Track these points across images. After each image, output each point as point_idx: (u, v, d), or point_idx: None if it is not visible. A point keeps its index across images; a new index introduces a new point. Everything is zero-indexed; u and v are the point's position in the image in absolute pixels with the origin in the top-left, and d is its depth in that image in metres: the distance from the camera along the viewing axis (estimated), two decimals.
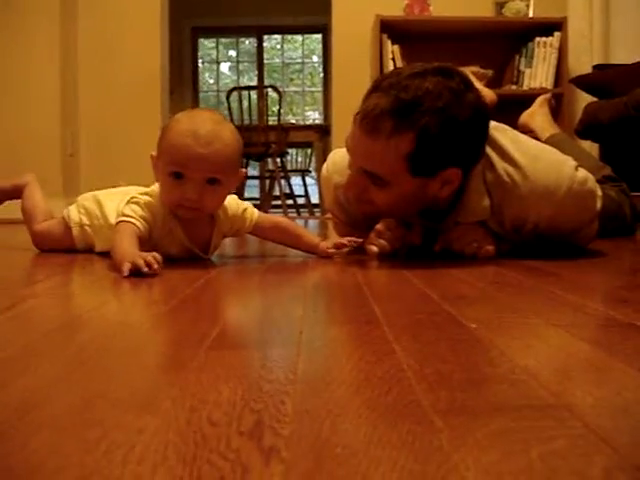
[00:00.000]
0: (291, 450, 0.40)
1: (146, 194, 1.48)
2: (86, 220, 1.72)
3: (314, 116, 8.65)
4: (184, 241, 1.52)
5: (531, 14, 4.13)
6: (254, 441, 0.42)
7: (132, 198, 1.46)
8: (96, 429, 0.44)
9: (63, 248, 1.78)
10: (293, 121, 8.04)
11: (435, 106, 1.34)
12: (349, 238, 1.60)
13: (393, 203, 1.46)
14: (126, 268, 1.21)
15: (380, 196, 1.45)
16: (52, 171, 4.11)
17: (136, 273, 1.21)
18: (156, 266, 1.23)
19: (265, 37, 8.31)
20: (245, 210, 1.62)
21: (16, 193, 1.98)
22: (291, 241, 1.68)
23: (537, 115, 2.73)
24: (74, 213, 1.76)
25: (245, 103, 5.41)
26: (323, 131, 5.67)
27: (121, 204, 1.50)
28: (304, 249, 1.67)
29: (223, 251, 1.93)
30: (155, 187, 1.50)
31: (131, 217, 1.41)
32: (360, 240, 1.59)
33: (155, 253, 1.27)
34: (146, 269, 1.21)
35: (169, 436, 0.43)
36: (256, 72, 8.29)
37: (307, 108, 8.79)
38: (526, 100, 3.23)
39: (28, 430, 0.44)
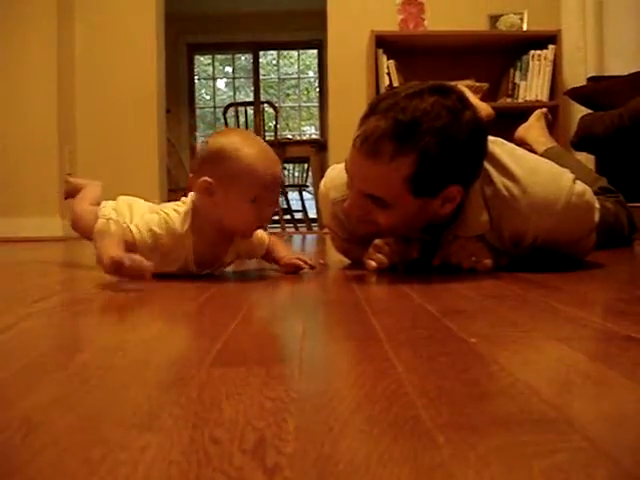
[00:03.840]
0: (294, 468, 0.40)
1: (175, 211, 1.47)
2: (114, 216, 1.71)
3: (310, 131, 8.69)
4: (189, 260, 1.50)
5: (525, 27, 4.16)
6: (257, 459, 0.42)
7: (161, 209, 1.49)
8: (99, 448, 0.44)
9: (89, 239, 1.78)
10: (289, 136, 8.05)
11: (434, 126, 1.33)
12: (303, 260, 1.62)
13: (396, 223, 1.46)
14: (108, 260, 1.24)
15: (383, 217, 1.44)
16: (50, 190, 4.12)
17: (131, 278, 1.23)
18: (146, 263, 1.24)
19: (261, 53, 8.35)
20: (260, 235, 1.61)
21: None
22: (267, 256, 1.69)
23: (533, 129, 2.74)
24: (108, 207, 1.76)
25: (242, 119, 5.43)
26: (319, 146, 5.68)
27: (147, 212, 1.51)
28: (271, 261, 1.68)
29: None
30: (183, 204, 1.50)
31: (136, 231, 1.42)
32: (309, 263, 1.61)
33: (146, 261, 1.26)
34: (128, 263, 1.22)
35: (172, 454, 0.43)
36: (252, 88, 8.33)
37: (303, 123, 8.83)
38: (522, 113, 3.25)
39: (31, 449, 0.44)
